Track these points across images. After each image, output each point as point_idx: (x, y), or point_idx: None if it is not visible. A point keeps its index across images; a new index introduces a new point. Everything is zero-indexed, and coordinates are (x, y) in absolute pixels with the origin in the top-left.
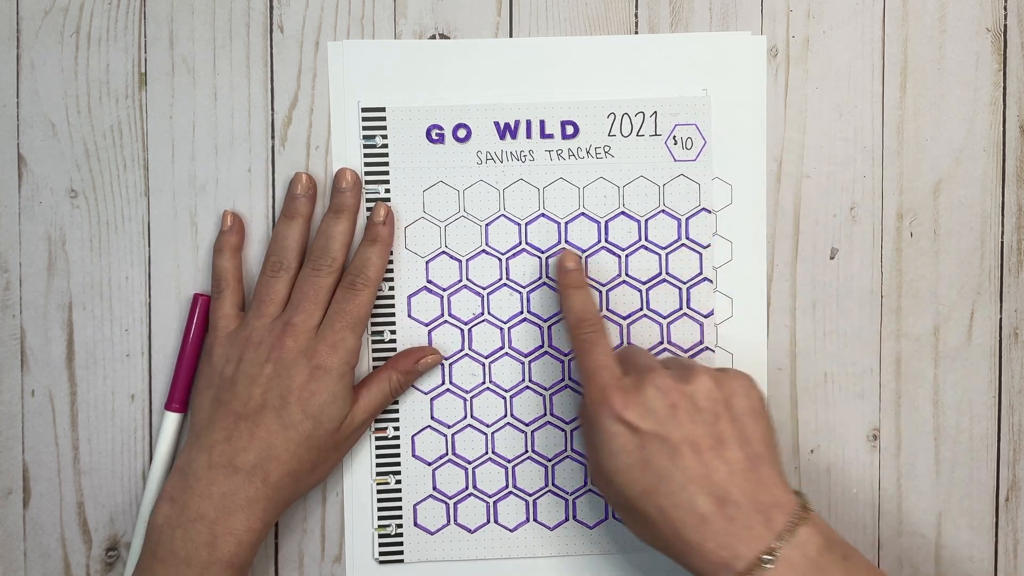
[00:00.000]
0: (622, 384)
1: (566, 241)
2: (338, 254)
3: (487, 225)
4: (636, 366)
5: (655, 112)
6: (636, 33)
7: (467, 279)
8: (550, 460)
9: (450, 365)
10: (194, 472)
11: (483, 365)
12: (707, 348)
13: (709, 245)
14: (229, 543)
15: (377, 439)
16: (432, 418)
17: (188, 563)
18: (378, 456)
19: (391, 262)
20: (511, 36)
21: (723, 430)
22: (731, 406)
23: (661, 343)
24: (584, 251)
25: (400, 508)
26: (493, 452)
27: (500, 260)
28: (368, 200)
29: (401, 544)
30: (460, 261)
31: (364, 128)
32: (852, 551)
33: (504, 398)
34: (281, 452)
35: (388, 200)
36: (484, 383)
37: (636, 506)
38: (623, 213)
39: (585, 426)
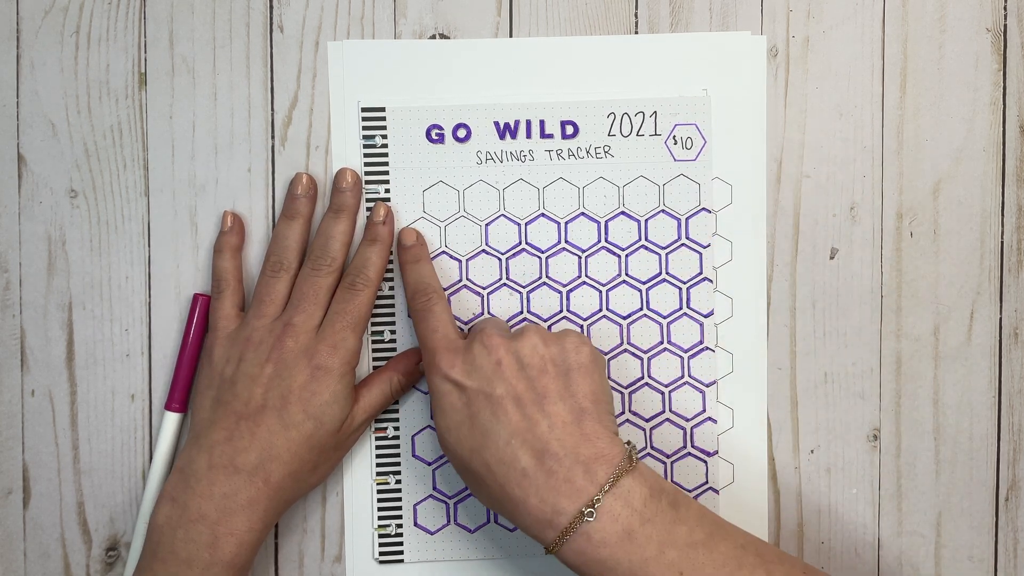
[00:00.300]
0: (452, 345)
1: (566, 241)
2: (338, 254)
3: (487, 225)
4: (473, 330)
5: (655, 112)
6: (636, 33)
7: (467, 279)
8: None
9: None
10: (195, 472)
11: None
12: (707, 348)
13: (709, 245)
14: (230, 543)
15: (377, 439)
16: (432, 418)
17: (189, 564)
18: (378, 456)
19: (391, 262)
20: (511, 36)
21: (547, 385)
22: (558, 362)
23: (661, 343)
24: (584, 251)
25: (400, 508)
26: None
27: (500, 260)
28: (368, 200)
29: (401, 544)
30: (460, 261)
31: (364, 128)
32: (683, 497)
33: None
34: (282, 452)
35: (388, 200)
36: None
37: (467, 465)
38: (623, 213)
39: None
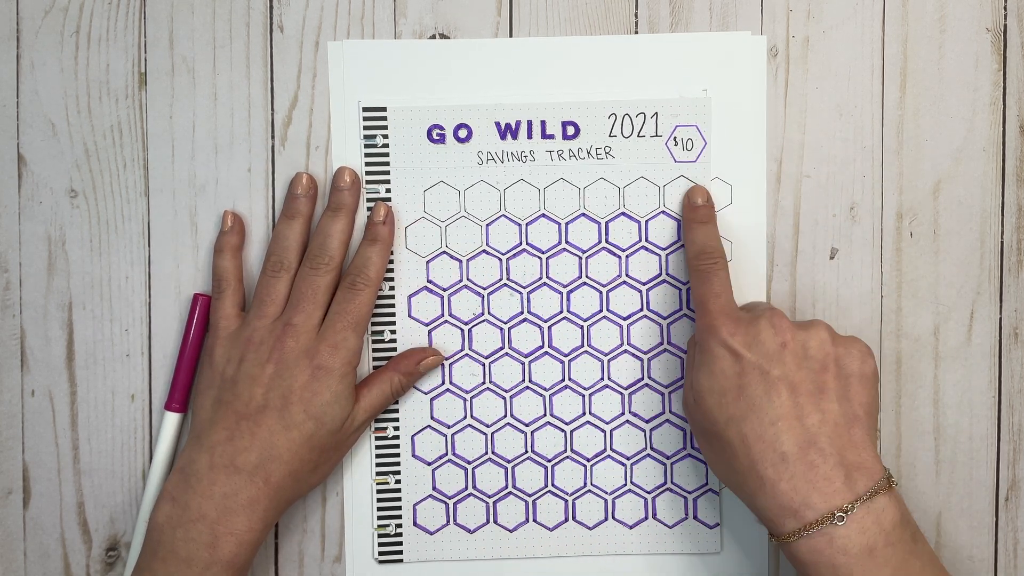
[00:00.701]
0: (735, 314)
1: (567, 242)
2: (336, 252)
3: (488, 225)
4: (757, 308)
5: (656, 113)
6: (636, 33)
7: (467, 279)
8: (550, 461)
9: (450, 365)
10: (195, 472)
11: (483, 365)
12: None
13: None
14: (230, 543)
15: (377, 439)
16: (432, 418)
17: (188, 563)
18: (378, 456)
19: (391, 262)
20: (511, 36)
21: (827, 381)
22: (842, 364)
23: (661, 344)
24: (585, 251)
25: (400, 508)
26: (493, 452)
27: (500, 260)
28: (369, 200)
29: (401, 544)
30: (460, 261)
31: (365, 128)
32: (920, 534)
33: (504, 398)
34: (283, 452)
35: (389, 200)
36: (484, 383)
37: (720, 432)
38: (624, 214)
39: (691, 350)
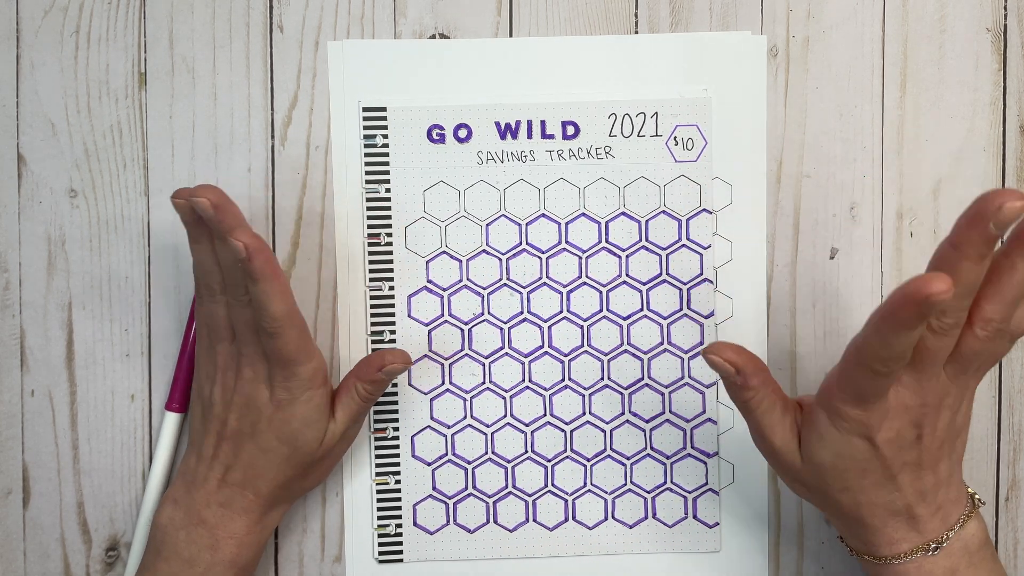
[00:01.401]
0: (873, 405)
1: (567, 241)
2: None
3: (487, 225)
4: (897, 403)
5: (656, 113)
6: (636, 33)
7: (467, 279)
8: (550, 460)
9: (450, 365)
10: (194, 479)
11: (483, 365)
12: None
13: (710, 246)
14: (230, 545)
15: (377, 439)
16: (432, 418)
17: (191, 563)
18: (378, 456)
19: (391, 262)
20: (511, 36)
21: (944, 451)
22: (956, 428)
23: (661, 343)
24: (585, 251)
25: (400, 508)
26: (493, 452)
27: (500, 260)
28: (368, 199)
29: (401, 544)
30: (460, 261)
31: (365, 128)
32: (995, 553)
33: (504, 398)
34: (265, 471)
35: (388, 199)
36: (484, 383)
37: (829, 495)
38: (624, 214)
39: (821, 423)
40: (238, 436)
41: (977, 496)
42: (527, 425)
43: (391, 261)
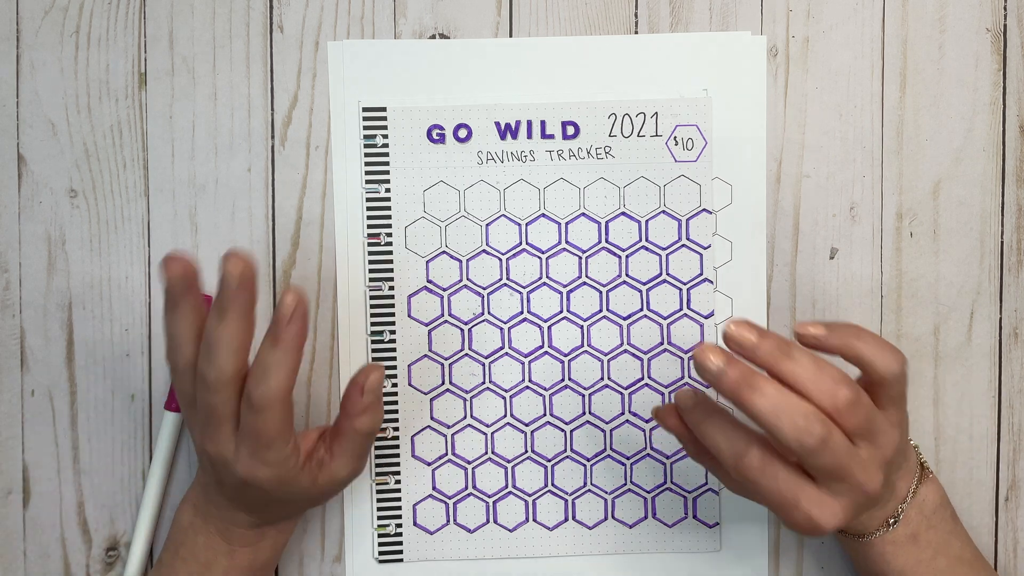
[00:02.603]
0: (831, 510)
1: (567, 241)
2: (225, 366)
3: (487, 225)
4: (838, 488)
5: (656, 113)
6: (636, 33)
7: (467, 279)
8: (550, 460)
9: (450, 365)
10: (207, 492)
11: (483, 365)
12: None
13: (709, 246)
14: (246, 553)
15: (377, 439)
16: (432, 418)
17: (208, 567)
18: (377, 456)
19: (391, 262)
20: (511, 36)
21: (891, 471)
22: (894, 456)
23: (661, 344)
24: (585, 251)
25: (400, 508)
26: (493, 452)
27: (500, 260)
28: (368, 198)
29: (401, 544)
30: (460, 261)
31: (365, 128)
32: (956, 516)
33: (504, 398)
34: (262, 509)
35: (388, 199)
36: (484, 383)
37: None
38: (624, 214)
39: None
40: (224, 483)
41: (923, 459)
42: (527, 425)
43: (391, 261)
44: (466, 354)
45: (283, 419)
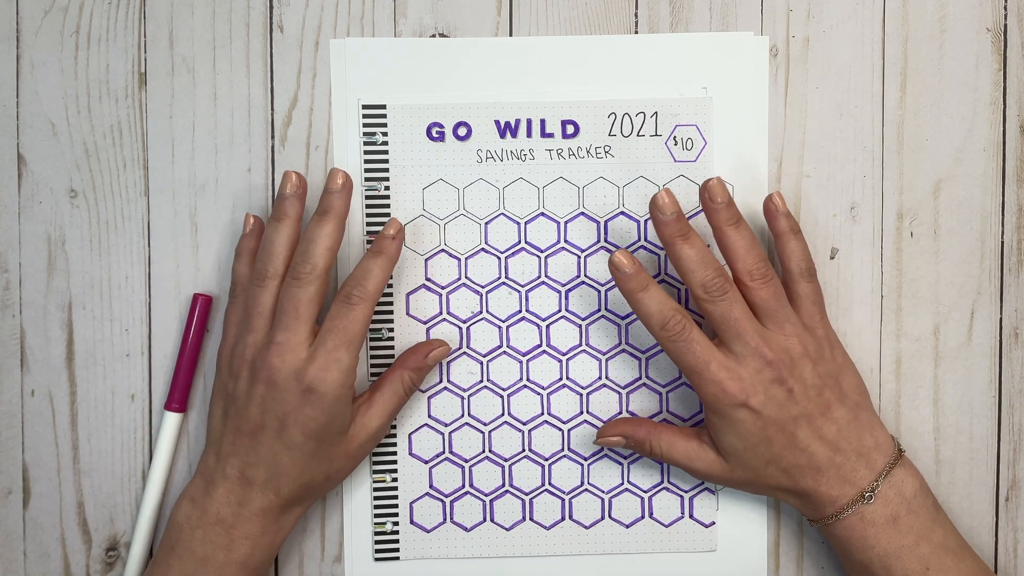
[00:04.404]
0: (735, 373)
1: (565, 240)
2: (320, 260)
3: (486, 224)
4: (739, 349)
5: (656, 113)
6: (636, 33)
7: (466, 277)
8: (547, 459)
9: (448, 363)
10: (212, 479)
11: (481, 364)
12: None
13: (709, 246)
14: (245, 546)
15: None
16: (429, 416)
17: (204, 562)
18: (375, 454)
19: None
20: (511, 35)
21: (828, 397)
22: (832, 373)
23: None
24: (583, 251)
25: (396, 506)
26: (490, 451)
27: (499, 259)
28: (368, 198)
29: (397, 542)
30: (459, 259)
31: (365, 125)
32: (940, 506)
33: (502, 397)
34: (289, 469)
35: (387, 197)
36: (482, 382)
37: (759, 471)
38: (623, 213)
39: (709, 415)
40: (260, 431)
41: (901, 448)
42: (524, 424)
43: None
44: (464, 352)
45: (366, 321)
